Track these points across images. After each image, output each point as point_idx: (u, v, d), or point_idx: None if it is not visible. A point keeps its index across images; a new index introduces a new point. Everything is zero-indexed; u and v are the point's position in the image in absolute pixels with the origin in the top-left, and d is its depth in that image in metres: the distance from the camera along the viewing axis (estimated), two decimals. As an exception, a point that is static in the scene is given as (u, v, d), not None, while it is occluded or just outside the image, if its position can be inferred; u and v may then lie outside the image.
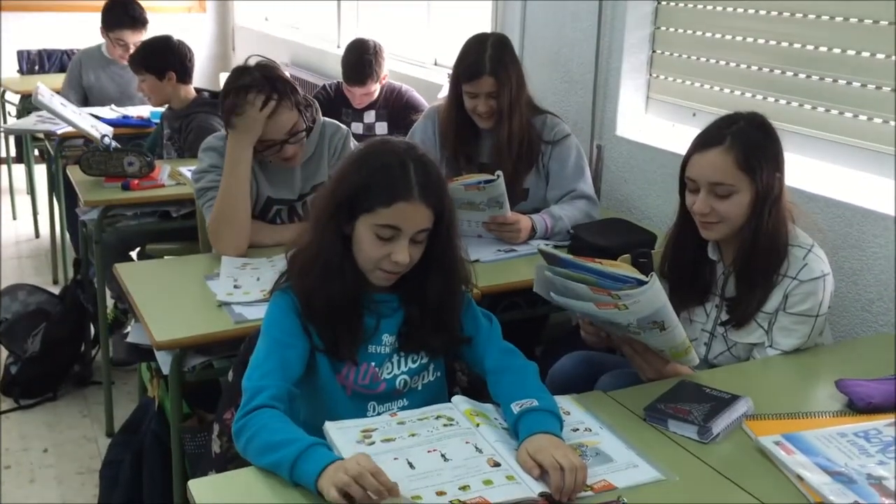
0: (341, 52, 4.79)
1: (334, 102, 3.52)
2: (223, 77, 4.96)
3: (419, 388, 1.57)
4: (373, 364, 1.53)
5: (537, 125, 2.51)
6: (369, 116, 3.56)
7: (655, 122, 2.76)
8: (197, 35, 6.54)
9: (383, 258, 1.49)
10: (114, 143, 2.97)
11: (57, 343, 3.09)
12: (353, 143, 2.43)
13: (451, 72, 2.55)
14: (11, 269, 4.37)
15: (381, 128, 3.55)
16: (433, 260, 1.54)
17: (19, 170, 5.27)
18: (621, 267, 1.47)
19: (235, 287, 1.98)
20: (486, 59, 2.40)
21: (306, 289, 1.52)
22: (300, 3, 5.77)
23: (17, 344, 3.08)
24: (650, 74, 2.75)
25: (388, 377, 1.54)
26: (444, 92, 3.66)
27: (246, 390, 1.40)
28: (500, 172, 2.21)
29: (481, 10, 3.98)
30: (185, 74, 3.33)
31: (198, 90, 3.37)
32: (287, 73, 2.32)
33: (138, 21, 4.11)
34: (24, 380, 3.04)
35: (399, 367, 1.55)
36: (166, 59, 3.28)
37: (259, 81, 2.21)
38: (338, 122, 2.44)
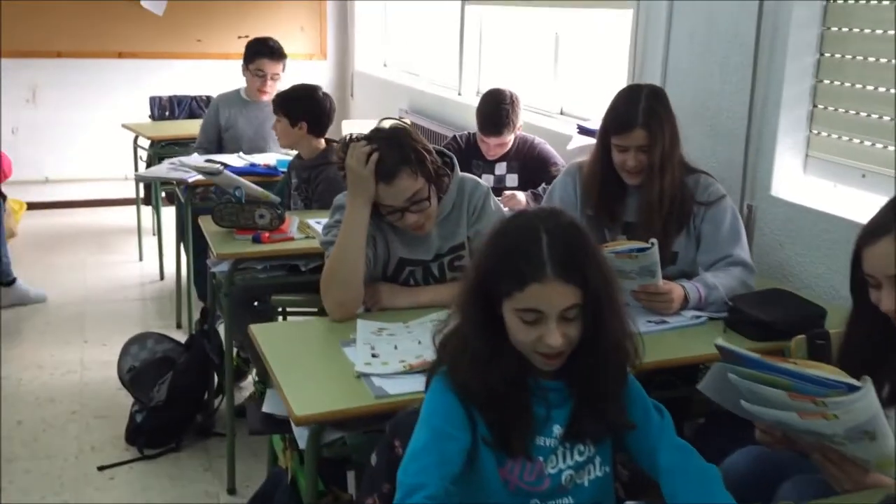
0: (462, 99, 4.82)
1: (465, 153, 3.44)
2: (345, 125, 5.01)
3: (585, 483, 1.42)
4: (539, 458, 1.39)
5: (689, 184, 2.35)
6: (500, 168, 3.46)
7: (815, 183, 2.55)
8: (317, 81, 6.63)
9: (535, 342, 1.37)
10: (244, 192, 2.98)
11: (182, 392, 3.08)
12: (493, 201, 2.32)
13: (599, 123, 2.42)
14: (136, 310, 4.46)
15: (512, 180, 3.45)
16: (593, 336, 1.40)
17: (147, 211, 5.43)
18: (822, 368, 1.28)
19: (373, 356, 1.89)
20: (640, 110, 2.26)
21: (463, 378, 1.40)
22: (420, 49, 5.78)
23: (144, 392, 3.09)
24: (810, 130, 2.54)
25: (553, 472, 1.40)
26: (574, 143, 3.55)
27: (401, 485, 1.28)
28: (654, 241, 2.05)
29: (614, 57, 3.86)
30: (317, 127, 3.33)
31: (328, 141, 3.35)
32: (422, 140, 2.21)
33: (275, 52, 4.21)
34: (149, 429, 3.04)
35: (564, 461, 1.41)
36: (302, 106, 3.30)
37: (372, 138, 2.14)
38: (478, 179, 2.34)
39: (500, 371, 1.38)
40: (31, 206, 5.85)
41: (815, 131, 2.53)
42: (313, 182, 3.24)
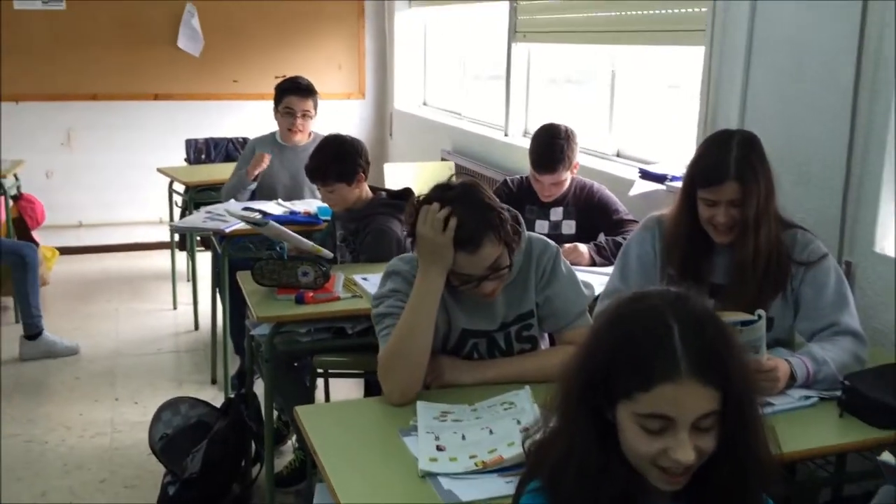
0: (509, 140, 4.60)
1: (518, 198, 3.20)
2: (387, 169, 4.81)
3: None
4: None
5: (786, 241, 2.08)
6: (556, 213, 3.21)
7: (926, 238, 2.27)
8: (356, 120, 6.52)
9: (659, 455, 1.11)
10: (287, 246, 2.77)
11: (218, 462, 2.84)
12: (565, 264, 2.07)
13: (685, 173, 2.17)
14: (170, 363, 4.26)
15: (569, 226, 3.19)
16: (728, 451, 1.13)
17: (182, 256, 5.26)
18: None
19: (439, 449, 1.63)
20: (731, 160, 2.00)
21: (563, 496, 1.14)
22: (463, 88, 5.59)
23: (177, 462, 2.86)
24: (918, 179, 2.27)
25: None
26: (636, 189, 3.29)
27: None
28: (762, 313, 1.79)
29: (678, 96, 3.62)
30: (351, 175, 3.04)
31: (373, 189, 3.13)
32: (496, 198, 1.95)
33: (302, 88, 4.01)
34: (182, 502, 2.81)
35: None
36: (332, 163, 3.01)
37: (447, 200, 1.88)
38: (546, 239, 2.09)
39: (614, 488, 1.12)
40: (64, 251, 5.73)
41: (924, 180, 2.26)
42: (362, 233, 3.02)
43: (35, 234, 5.10)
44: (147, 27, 5.97)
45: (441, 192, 1.92)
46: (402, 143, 6.28)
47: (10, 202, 4.86)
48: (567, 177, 3.16)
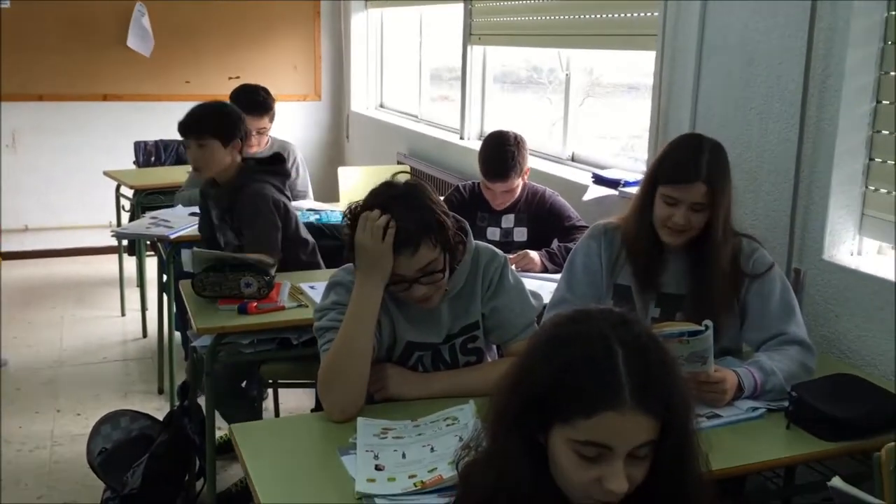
0: (465, 143, 4.55)
1: (469, 205, 3.15)
2: (341, 172, 4.73)
3: None
4: None
5: (735, 251, 2.06)
6: (507, 221, 3.16)
7: (874, 246, 2.26)
8: (312, 122, 6.43)
9: (591, 484, 1.06)
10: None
11: (159, 477, 2.75)
12: (512, 274, 2.02)
13: (647, 171, 2.13)
14: (116, 372, 4.13)
15: (521, 233, 3.15)
16: (660, 480, 1.09)
17: (131, 261, 5.11)
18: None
19: (377, 469, 1.57)
20: (703, 162, 1.96)
21: None
22: (419, 91, 5.53)
23: (117, 478, 2.76)
24: (866, 186, 2.26)
25: None
26: (590, 194, 3.26)
27: None
28: (709, 323, 1.75)
29: (631, 102, 3.61)
30: (230, 139, 2.96)
31: (243, 159, 3.05)
32: (439, 201, 1.90)
33: (257, 105, 3.90)
34: (122, 519, 2.71)
35: None
36: (212, 122, 2.94)
37: (385, 206, 1.81)
38: (494, 248, 2.04)
39: None
40: (9, 255, 5.55)
41: (872, 187, 2.25)
42: (238, 206, 2.91)
43: (-24, 240, 4.94)
44: (96, 26, 5.81)
45: (383, 192, 1.85)
46: (359, 145, 6.20)
47: (-50, 206, 4.68)
48: (518, 183, 3.12)
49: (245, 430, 1.78)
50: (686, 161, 1.98)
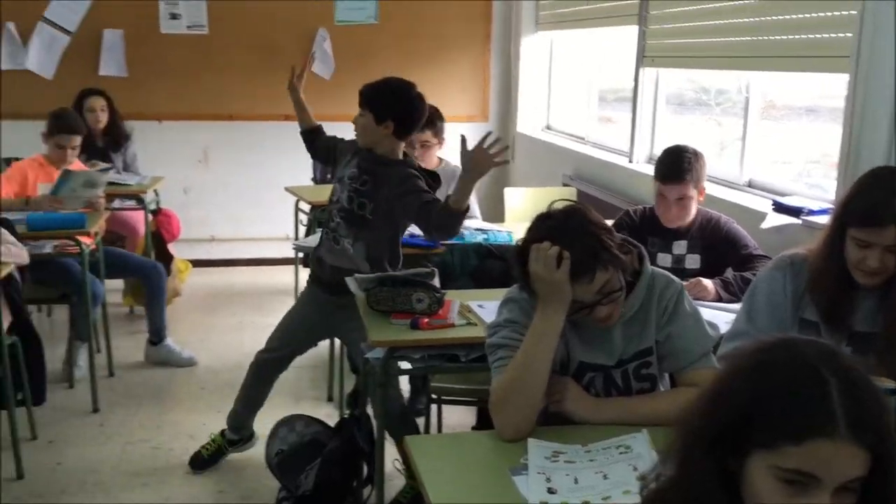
0: (633, 167, 4.49)
1: (639, 230, 3.10)
2: (507, 193, 4.78)
3: None
4: None
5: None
6: (679, 247, 3.09)
7: None
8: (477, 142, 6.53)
9: None
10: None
11: (330, 482, 2.87)
12: (688, 302, 1.98)
13: (833, 209, 2.04)
14: (288, 378, 4.30)
15: (693, 261, 3.07)
16: None
17: (305, 273, 5.38)
18: None
19: (550, 492, 1.58)
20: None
21: None
22: (584, 113, 5.51)
23: (292, 479, 2.91)
24: None
25: None
26: (769, 222, 3.13)
27: None
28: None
29: (809, 126, 3.44)
30: (404, 130, 3.07)
31: (405, 154, 3.15)
32: (601, 221, 1.90)
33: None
34: (294, 519, 2.86)
35: None
36: (394, 106, 3.02)
37: (553, 235, 1.82)
38: (670, 275, 2.01)
39: None
40: (197, 263, 5.99)
41: None
42: (381, 179, 2.99)
43: (170, 247, 5.36)
44: (282, 51, 6.19)
45: (544, 224, 1.87)
46: (524, 167, 6.25)
47: (150, 216, 5.12)
48: (693, 194, 3.01)
49: (419, 442, 1.84)
50: (879, 202, 1.88)
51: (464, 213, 2.79)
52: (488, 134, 2.78)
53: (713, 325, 2.11)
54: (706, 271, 2.99)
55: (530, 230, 1.88)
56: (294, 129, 6.60)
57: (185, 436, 3.65)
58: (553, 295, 1.81)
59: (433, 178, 3.09)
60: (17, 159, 4.59)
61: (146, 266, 4.53)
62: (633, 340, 1.96)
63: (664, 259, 3.08)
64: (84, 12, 5.89)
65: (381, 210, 3.00)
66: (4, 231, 3.18)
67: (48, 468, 3.34)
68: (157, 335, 4.48)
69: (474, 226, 3.93)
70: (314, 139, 3.42)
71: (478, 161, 2.73)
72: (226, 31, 6.10)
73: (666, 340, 1.95)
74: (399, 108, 3.03)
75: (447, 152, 4.30)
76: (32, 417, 3.55)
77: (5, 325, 3.14)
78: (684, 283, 2.77)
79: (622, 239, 1.93)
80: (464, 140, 2.75)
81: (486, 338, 1.98)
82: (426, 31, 6.34)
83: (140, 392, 4.12)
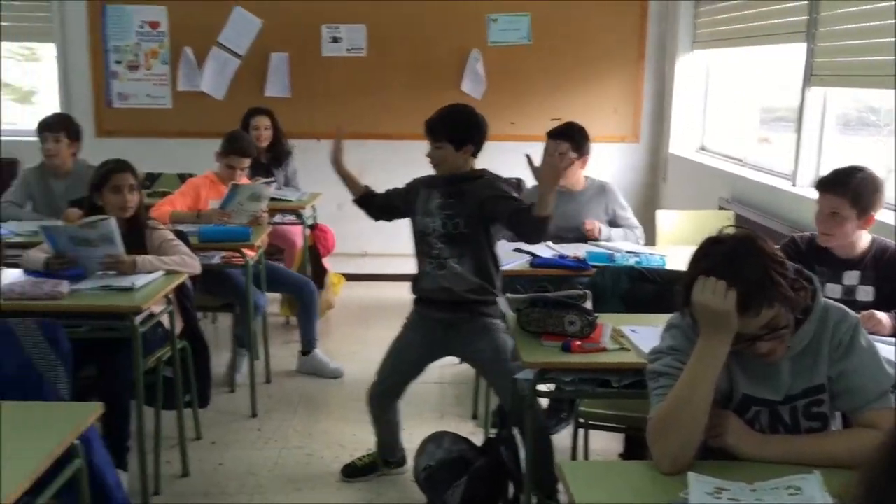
0: (797, 190, 4.27)
1: (805, 259, 2.93)
2: (660, 216, 4.66)
3: None
4: None
5: None
6: (850, 278, 2.91)
7: None
8: (628, 164, 6.43)
9: None
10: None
11: (477, 500, 2.89)
12: (864, 337, 1.86)
13: None
14: (434, 393, 4.41)
15: (865, 293, 2.88)
16: None
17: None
18: None
19: (712, 529, 1.52)
20: None
21: None
22: (742, 134, 5.30)
23: (438, 494, 2.95)
24: None
25: None
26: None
27: None
28: None
29: None
30: (479, 149, 3.25)
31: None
32: (772, 247, 1.82)
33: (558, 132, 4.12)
34: (440, 535, 2.89)
35: None
36: (470, 130, 3.21)
37: (721, 266, 1.75)
38: (845, 308, 1.89)
39: None
40: (350, 277, 6.19)
41: None
42: (467, 194, 3.14)
43: (325, 261, 5.57)
44: (435, 71, 6.35)
45: (713, 252, 1.80)
46: (677, 189, 6.08)
47: (308, 231, 5.35)
48: (849, 214, 2.81)
49: (574, 468, 1.83)
50: None
51: (548, 218, 2.91)
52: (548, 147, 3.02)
53: (890, 363, 1.97)
54: (881, 304, 2.80)
55: (698, 255, 1.82)
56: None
57: (336, 445, 3.78)
58: (718, 325, 1.75)
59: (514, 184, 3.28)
60: (190, 175, 4.93)
61: (299, 282, 4.74)
62: (803, 376, 1.86)
63: (833, 290, 2.90)
64: (254, 37, 6.26)
65: (473, 219, 3.14)
66: (181, 243, 3.41)
67: (210, 467, 3.53)
68: (307, 346, 4.68)
69: (626, 248, 3.85)
70: (370, 204, 3.54)
71: (545, 173, 2.89)
72: (383, 54, 6.31)
73: (840, 377, 1.84)
74: (474, 131, 3.21)
75: (591, 170, 4.27)
76: (198, 419, 3.78)
77: (177, 330, 3.36)
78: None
79: (796, 271, 1.84)
80: (529, 158, 3.06)
81: (647, 363, 1.94)
82: (578, 51, 6.31)
83: (294, 399, 4.30)
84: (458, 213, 3.15)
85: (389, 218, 3.54)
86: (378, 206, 3.50)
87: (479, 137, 3.21)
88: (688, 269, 1.82)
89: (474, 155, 3.22)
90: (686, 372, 1.79)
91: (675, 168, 6.12)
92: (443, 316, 3.21)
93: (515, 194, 3.20)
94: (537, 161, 2.98)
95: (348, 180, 3.52)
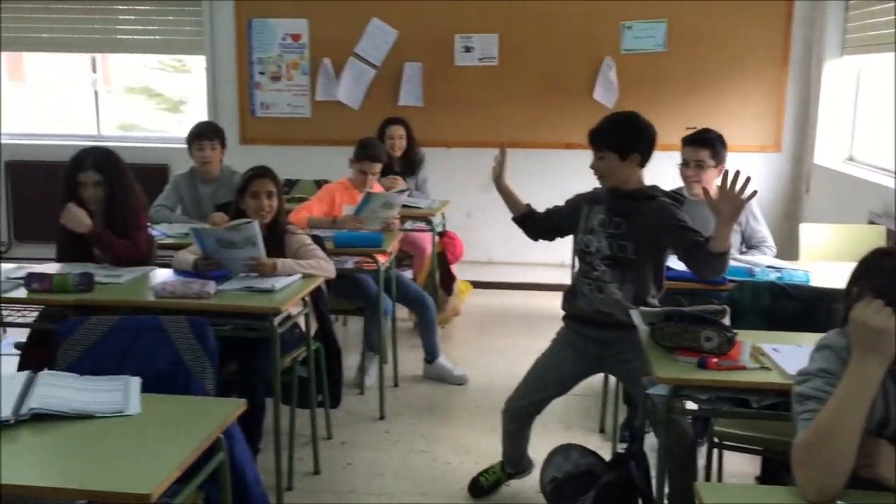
0: (960, 205, 3.98)
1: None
2: (803, 229, 4.44)
3: None
4: None
5: None
6: None
7: None
8: (768, 174, 6.17)
9: None
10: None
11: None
12: None
13: None
14: (559, 404, 4.30)
15: None
16: None
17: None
18: None
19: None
20: None
21: None
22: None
23: (564, 506, 2.91)
24: None
25: None
26: None
27: None
28: None
29: None
30: (647, 157, 3.06)
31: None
32: None
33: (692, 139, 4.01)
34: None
35: None
36: (635, 136, 3.05)
37: (890, 282, 1.66)
38: None
39: None
40: (476, 284, 6.23)
41: None
42: (635, 216, 2.96)
43: (453, 268, 5.62)
44: (567, 79, 6.31)
45: (884, 263, 1.71)
46: (822, 201, 5.78)
47: (437, 238, 5.42)
48: None
49: (712, 491, 1.76)
50: None
51: (725, 255, 2.77)
52: (727, 173, 2.77)
53: None
54: None
55: (863, 267, 1.73)
56: (575, 157, 6.68)
57: (461, 450, 3.80)
58: (874, 347, 1.65)
59: (679, 200, 3.09)
60: (326, 181, 5.09)
61: (419, 297, 4.78)
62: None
63: None
64: (389, 48, 6.41)
65: (645, 246, 2.99)
66: (318, 247, 3.52)
67: (340, 466, 3.63)
68: (431, 355, 4.75)
69: (766, 262, 3.70)
70: (528, 223, 3.42)
71: (723, 204, 2.73)
72: (514, 62, 6.33)
73: None
74: (640, 139, 3.04)
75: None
76: (329, 419, 3.89)
77: (312, 332, 3.47)
78: None
79: None
80: (706, 191, 2.89)
81: (794, 385, 1.85)
82: (716, 56, 6.12)
83: (420, 404, 4.35)
84: (626, 235, 3.01)
85: (551, 238, 3.41)
86: (539, 227, 3.40)
87: (645, 146, 3.03)
88: (848, 283, 1.73)
89: (641, 165, 3.05)
90: (835, 396, 1.69)
91: (820, 179, 5.82)
92: (599, 334, 3.11)
93: (687, 218, 3.00)
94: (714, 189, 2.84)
95: (509, 198, 3.42)
